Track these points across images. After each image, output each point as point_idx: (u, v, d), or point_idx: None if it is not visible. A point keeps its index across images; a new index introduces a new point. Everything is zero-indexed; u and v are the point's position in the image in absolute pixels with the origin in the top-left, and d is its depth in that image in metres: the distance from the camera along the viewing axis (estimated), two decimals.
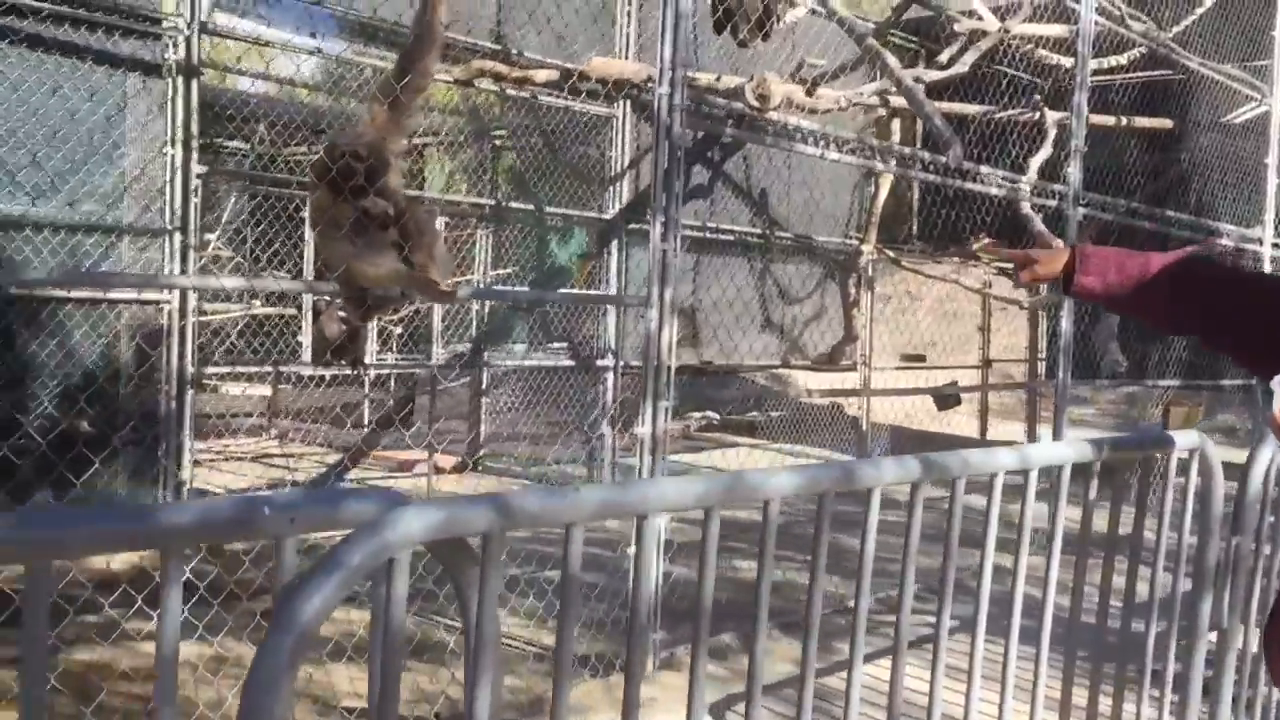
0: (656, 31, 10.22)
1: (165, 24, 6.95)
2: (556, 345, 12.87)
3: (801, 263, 12.26)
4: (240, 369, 8.98)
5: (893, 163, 6.29)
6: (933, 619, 2.79)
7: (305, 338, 9.26)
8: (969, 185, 6.56)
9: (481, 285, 9.64)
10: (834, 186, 11.97)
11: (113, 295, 6.78)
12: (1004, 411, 16.10)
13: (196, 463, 9.36)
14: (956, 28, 8.24)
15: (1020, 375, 16.97)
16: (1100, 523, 3.37)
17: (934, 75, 7.35)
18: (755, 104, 5.46)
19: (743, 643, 5.77)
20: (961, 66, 7.39)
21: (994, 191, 6.88)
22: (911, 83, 6.23)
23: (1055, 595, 3.23)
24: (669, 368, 4.95)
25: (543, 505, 1.71)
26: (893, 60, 6.27)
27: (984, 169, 6.60)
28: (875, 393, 10.40)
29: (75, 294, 6.56)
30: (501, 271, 9.95)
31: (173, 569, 1.50)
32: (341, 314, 4.10)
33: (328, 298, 4.08)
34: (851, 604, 2.45)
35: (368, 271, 3.83)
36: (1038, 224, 8.79)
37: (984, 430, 14.29)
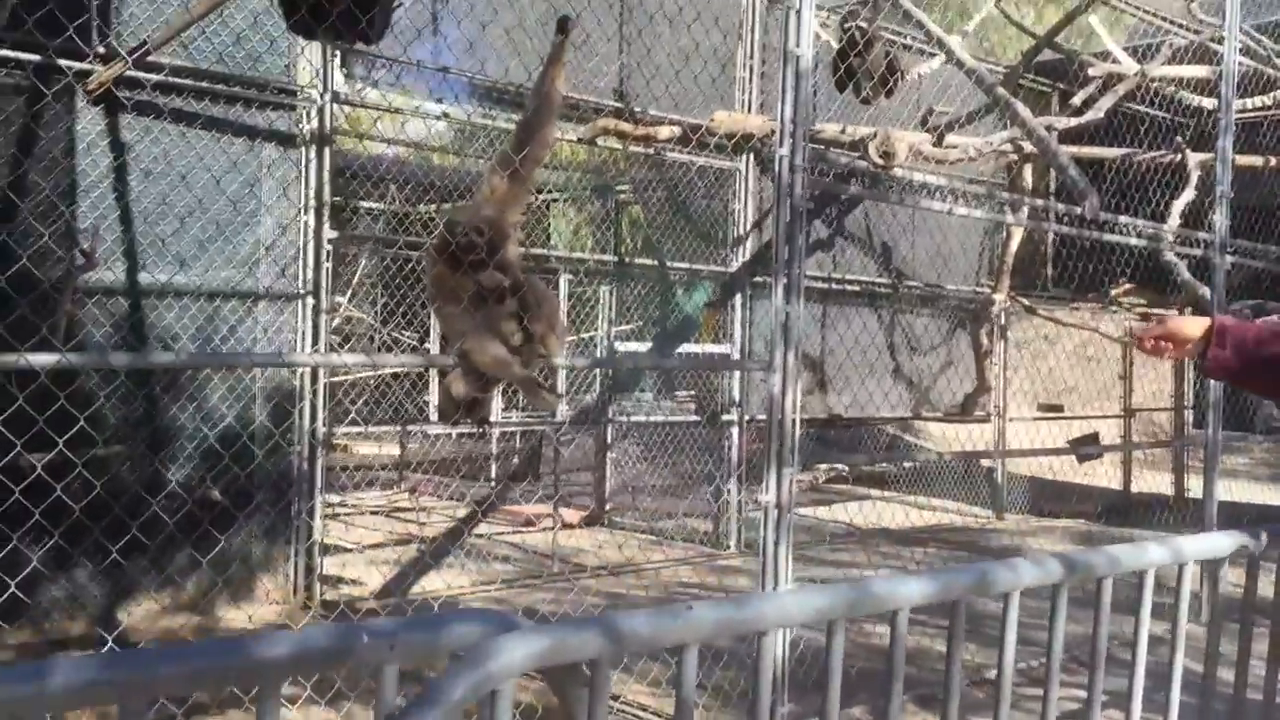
0: (777, 85, 10.22)
1: (300, 96, 7.19)
2: (682, 394, 12.81)
3: (930, 312, 11.96)
4: (371, 429, 9.15)
5: (1024, 215, 6.06)
6: (1082, 692, 2.59)
7: (432, 396, 9.38)
8: (1107, 236, 6.28)
9: (605, 341, 9.64)
10: (962, 233, 11.66)
11: (250, 359, 6.97)
12: (1150, 462, 15.38)
13: (332, 517, 9.57)
14: (1091, 72, 7.96)
15: (1166, 424, 16.22)
16: (1267, 587, 3.08)
17: (1068, 122, 7.09)
18: (879, 162, 5.33)
19: (875, 718, 5.55)
20: (1096, 113, 7.11)
21: (1133, 242, 6.57)
22: (1044, 133, 6.01)
23: (1218, 669, 2.98)
24: (794, 432, 4.82)
25: (655, 628, 1.61)
26: (1024, 110, 6.06)
27: (1123, 219, 6.31)
28: (1011, 453, 9.99)
29: (209, 360, 6.76)
30: (626, 326, 9.96)
31: (269, 708, 1.45)
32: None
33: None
34: (991, 674, 2.28)
35: (483, 355, 3.83)
36: (1183, 272, 8.38)
37: (1128, 483, 13.64)
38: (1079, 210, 6.00)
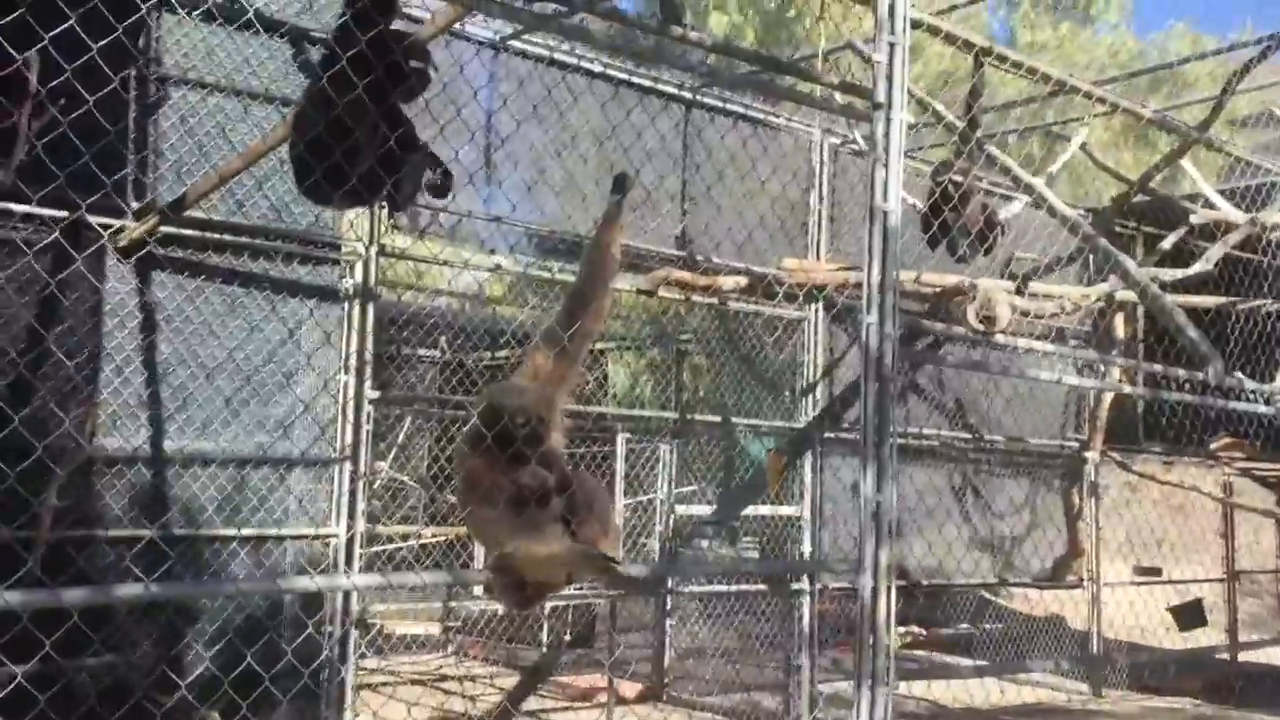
0: (847, 232, 9.74)
1: (344, 249, 6.80)
2: (746, 541, 12.04)
3: (1011, 470, 11.15)
4: (408, 605, 8.50)
5: (1139, 383, 5.39)
6: None
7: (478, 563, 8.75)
8: (1233, 404, 5.57)
9: (665, 503, 8.98)
10: (1043, 384, 10.91)
11: (275, 532, 6.43)
12: (1255, 624, 14.20)
13: (366, 686, 8.86)
14: (1194, 219, 7.35)
15: (1266, 583, 15.03)
16: None
17: (1174, 274, 6.46)
18: (980, 327, 4.73)
19: None
20: (1206, 264, 6.48)
21: (1262, 410, 5.84)
22: (1156, 289, 5.38)
23: None
24: (889, 646, 4.10)
25: None
26: (1130, 263, 5.46)
27: (1249, 384, 5.61)
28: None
29: (232, 532, 6.23)
30: (688, 488, 9.30)
31: None
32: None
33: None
34: None
35: (529, 556, 3.22)
36: None
37: (1235, 651, 12.48)
38: (1200, 376, 5.32)
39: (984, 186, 5.95)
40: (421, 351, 10.13)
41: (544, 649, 11.49)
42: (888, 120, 4.24)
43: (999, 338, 4.68)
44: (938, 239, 5.84)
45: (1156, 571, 12.45)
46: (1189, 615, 11.97)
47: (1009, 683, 10.70)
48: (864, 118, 4.29)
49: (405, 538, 8.78)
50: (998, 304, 4.76)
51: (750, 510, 9.28)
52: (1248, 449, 11.03)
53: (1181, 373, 5.28)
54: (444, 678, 10.31)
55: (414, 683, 9.87)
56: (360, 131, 3.23)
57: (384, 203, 3.66)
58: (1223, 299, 8.66)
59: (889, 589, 4.15)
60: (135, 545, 5.82)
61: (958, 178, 5.46)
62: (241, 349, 6.40)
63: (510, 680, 10.56)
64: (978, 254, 5.85)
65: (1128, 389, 5.14)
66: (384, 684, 9.63)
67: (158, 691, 4.29)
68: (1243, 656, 12.24)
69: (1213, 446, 11.73)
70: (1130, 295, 8.24)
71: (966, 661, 10.56)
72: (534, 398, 3.40)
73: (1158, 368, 5.20)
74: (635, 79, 8.54)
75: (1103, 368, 5.94)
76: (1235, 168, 8.77)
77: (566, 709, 9.73)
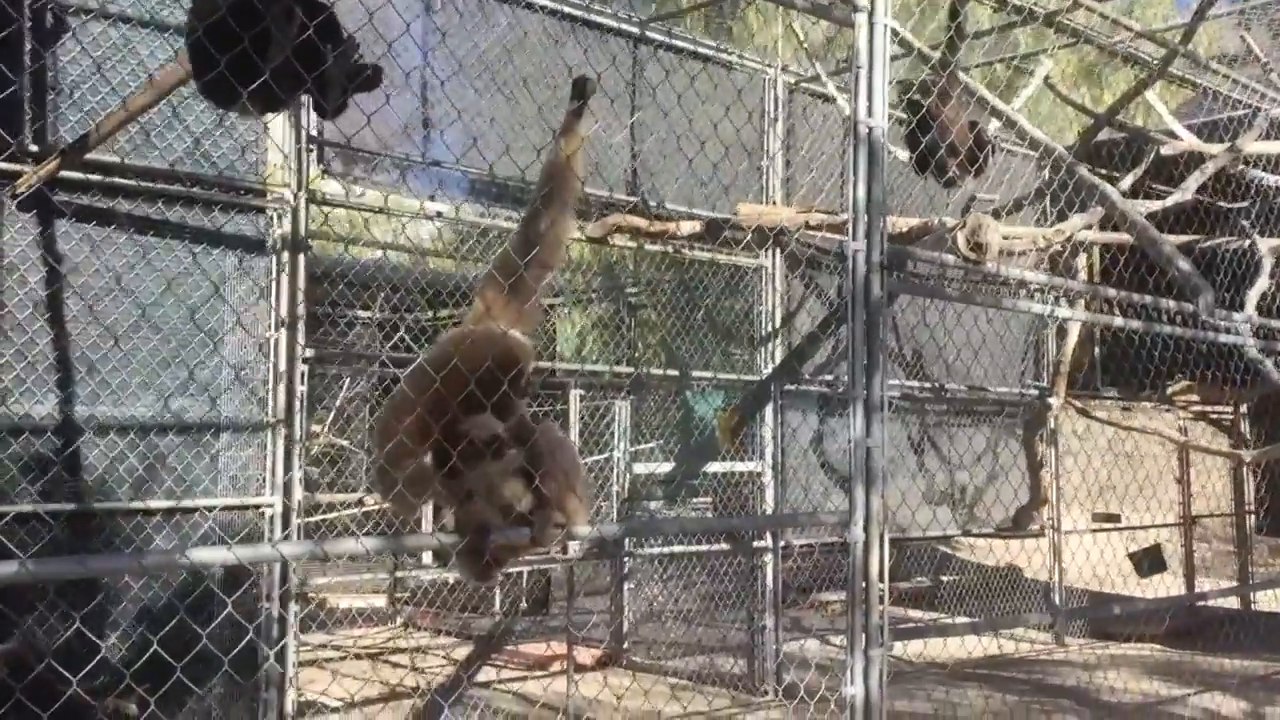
0: (807, 176, 9.34)
1: (270, 196, 6.27)
2: (699, 500, 11.71)
3: (973, 420, 10.89)
4: (352, 577, 8.03)
5: (1116, 313, 5.07)
6: None
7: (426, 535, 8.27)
8: (1223, 339, 5.27)
9: (622, 462, 8.57)
10: (1001, 327, 10.62)
11: (202, 502, 5.93)
12: (1209, 568, 14.19)
13: (310, 663, 8.39)
14: (1164, 150, 7.05)
15: (1219, 529, 15.04)
16: None
17: (1152, 205, 6.14)
18: (970, 255, 4.36)
19: None
20: (1184, 194, 6.17)
21: (1249, 343, 5.56)
22: (1142, 219, 5.05)
23: None
24: (883, 604, 3.74)
25: None
26: (1114, 193, 5.11)
27: (1237, 316, 5.31)
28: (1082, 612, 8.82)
29: (154, 504, 5.71)
30: (645, 445, 8.89)
31: None
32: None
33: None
34: None
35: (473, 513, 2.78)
36: (1272, 372, 7.37)
37: (1194, 598, 12.41)
38: (1190, 308, 5.01)
39: (970, 102, 5.56)
40: (359, 312, 9.59)
41: (497, 617, 11.11)
42: (870, 25, 3.82)
43: (989, 266, 4.33)
44: (920, 165, 5.45)
45: (1115, 518, 12.34)
46: (1148, 561, 11.87)
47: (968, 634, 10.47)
48: (845, 23, 3.86)
49: (346, 506, 8.30)
50: (988, 230, 4.40)
51: (710, 467, 8.90)
52: (1211, 391, 10.88)
53: (1171, 304, 4.96)
54: (394, 651, 9.86)
55: (361, 657, 9.41)
56: (271, 13, 2.72)
57: (311, 104, 3.15)
58: (1175, 238, 8.42)
59: (882, 541, 3.79)
60: (40, 521, 5.30)
61: (940, 96, 5.07)
62: (159, 305, 5.84)
63: (463, 651, 10.18)
64: (968, 175, 5.48)
65: (1119, 321, 4.80)
66: (329, 660, 9.17)
67: (64, 681, 3.82)
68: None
69: (1170, 390, 11.59)
70: (1091, 235, 7.97)
71: (962, 619, 10.30)
72: (516, 343, 2.95)
73: (1146, 298, 4.87)
74: (580, 12, 8.03)
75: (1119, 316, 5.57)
76: (1203, 104, 8.50)
77: (523, 678, 9.34)
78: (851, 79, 3.78)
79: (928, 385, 10.03)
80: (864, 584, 3.76)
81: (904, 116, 5.54)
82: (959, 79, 5.38)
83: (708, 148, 7.01)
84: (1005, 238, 5.68)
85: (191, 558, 2.40)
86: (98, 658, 5.26)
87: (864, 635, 3.73)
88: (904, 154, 6.51)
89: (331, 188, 6.53)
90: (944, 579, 12.87)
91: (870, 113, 3.80)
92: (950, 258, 4.23)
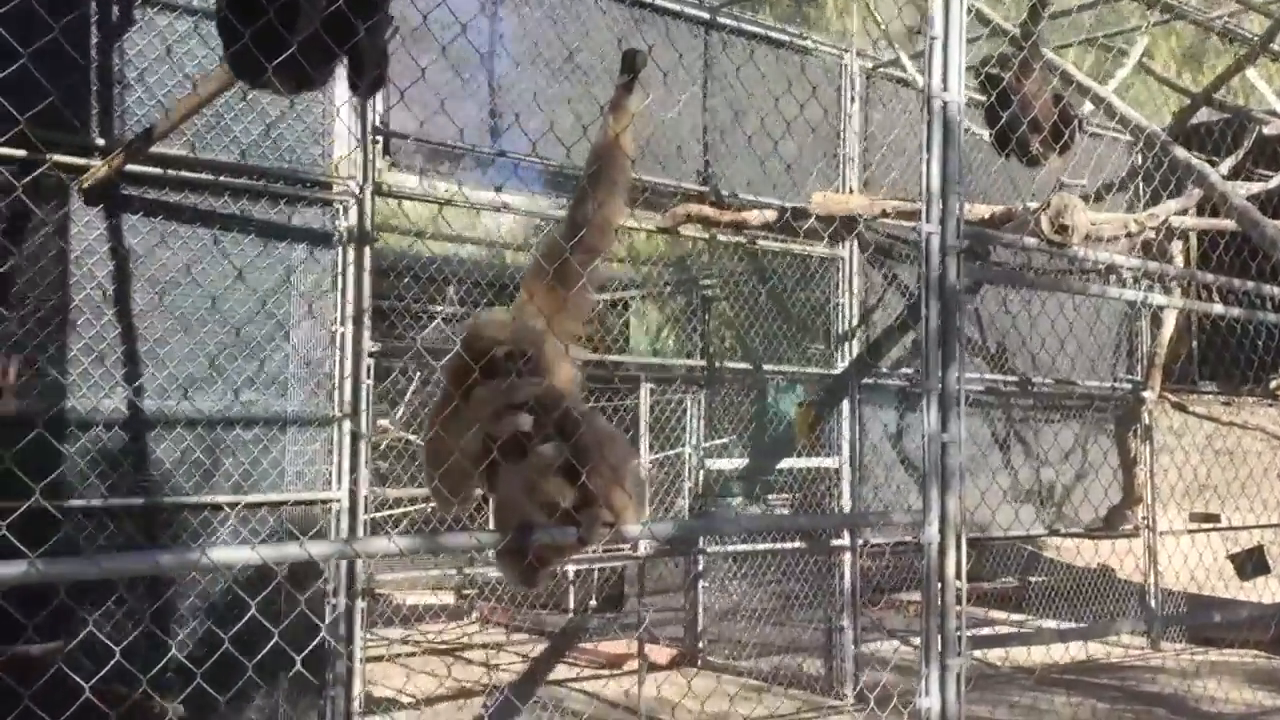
0: (884, 163, 9.05)
1: (336, 188, 6.22)
2: (775, 498, 11.48)
3: (1061, 415, 10.48)
4: (418, 573, 7.98)
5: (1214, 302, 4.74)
6: None
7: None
8: None
9: (694, 457, 8.39)
10: (1091, 318, 10.19)
11: (268, 497, 5.90)
12: None
13: (379, 659, 8.35)
14: (1267, 130, 6.65)
15: None
16: None
17: (1254, 188, 5.77)
18: (1055, 237, 4.09)
19: None
20: None
21: None
22: (1243, 200, 4.72)
23: None
24: (959, 607, 3.52)
25: None
26: (1214, 174, 4.79)
27: None
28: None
29: (220, 499, 5.69)
30: (718, 441, 8.70)
31: None
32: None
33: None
34: None
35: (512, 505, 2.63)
36: None
37: None
38: None
39: (1054, 77, 5.25)
40: (436, 308, 9.52)
41: (571, 614, 11.01)
42: None
43: (1075, 250, 4.06)
44: (1001, 143, 5.15)
45: (1214, 518, 11.79)
46: (1251, 563, 11.31)
47: (1054, 642, 10.10)
48: None
49: (415, 501, 8.27)
50: (1075, 211, 4.13)
51: (784, 464, 8.68)
52: None
53: (1276, 290, 4.63)
54: (465, 647, 9.82)
55: (432, 652, 9.38)
56: None
57: (348, 81, 3.02)
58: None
59: (959, 543, 3.56)
60: (109, 516, 5.31)
61: (1021, 69, 4.77)
62: (226, 298, 5.82)
63: (537, 648, 10.09)
64: (1052, 153, 5.18)
65: (1219, 308, 4.49)
66: (398, 656, 9.15)
67: (117, 681, 3.77)
68: None
69: (1274, 384, 11.02)
70: (1188, 220, 7.56)
71: (1049, 623, 9.91)
72: (525, 326, 2.80)
73: (1249, 284, 4.54)
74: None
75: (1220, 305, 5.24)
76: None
77: (596, 676, 9.23)
78: (925, 49, 3.55)
79: (1012, 379, 9.66)
80: (939, 588, 3.54)
81: (980, 98, 5.25)
82: (1040, 51, 5.08)
83: (781, 136, 6.80)
84: (1093, 223, 5.38)
85: (212, 558, 2.30)
86: (166, 656, 5.25)
87: (940, 643, 3.51)
88: (986, 133, 6.22)
89: (398, 180, 6.45)
90: (1031, 580, 12.45)
91: (945, 86, 3.57)
92: (1033, 241, 3.97)
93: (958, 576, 3.56)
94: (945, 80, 3.57)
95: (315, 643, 5.87)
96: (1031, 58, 4.80)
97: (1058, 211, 4.14)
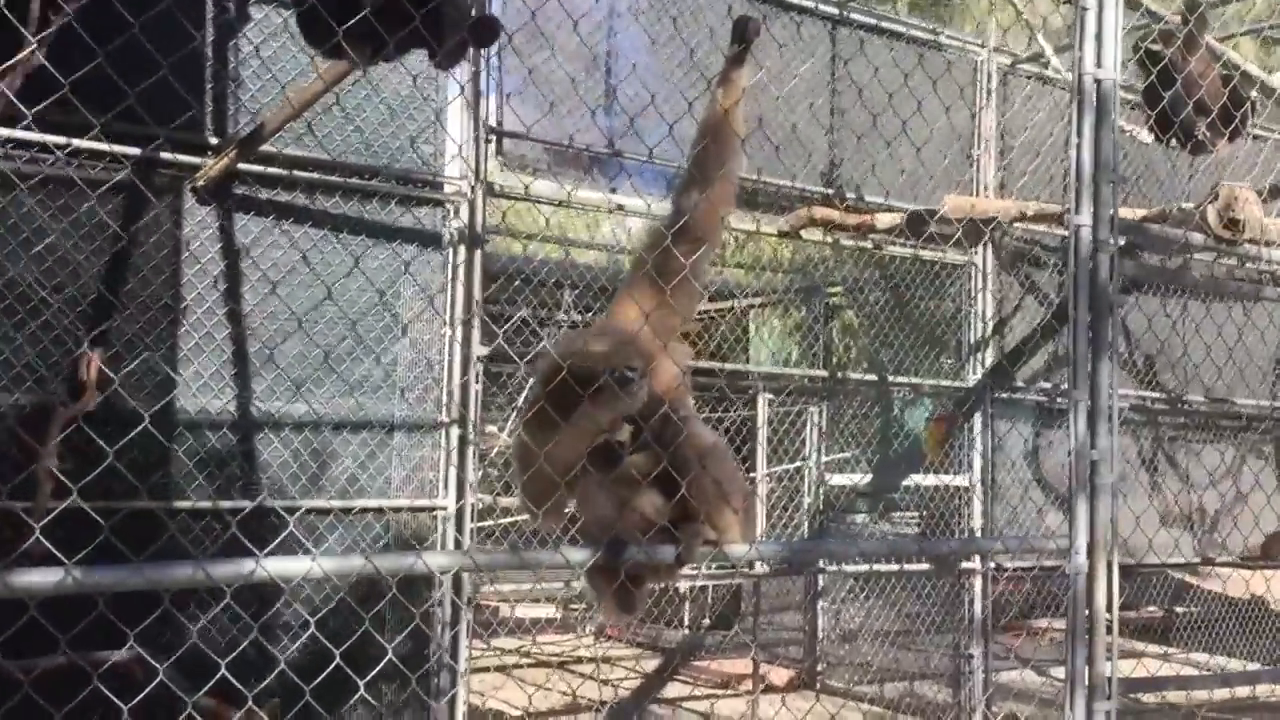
0: (1022, 166, 8.55)
1: (447, 189, 6.09)
2: (902, 515, 11.02)
3: (1214, 435, 9.76)
4: (524, 586, 7.79)
5: None
6: None
7: None
8: None
9: (815, 472, 8.04)
10: (1249, 333, 9.45)
11: (374, 502, 5.78)
12: None
13: (484, 669, 8.18)
14: None
15: None
16: None
17: None
18: (1224, 233, 3.65)
19: None
20: None
21: None
22: None
23: None
24: (1110, 648, 3.13)
25: None
26: None
27: None
28: None
29: (327, 504, 5.59)
30: (840, 455, 8.31)
31: None
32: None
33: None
34: None
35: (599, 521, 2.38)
36: None
37: None
38: None
39: (1220, 55, 4.76)
40: (559, 315, 9.35)
41: (686, 631, 10.73)
42: None
43: (1247, 248, 3.61)
44: (1162, 128, 4.69)
45: None
46: None
47: (1207, 671, 9.38)
48: None
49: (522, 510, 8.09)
50: (1247, 203, 3.68)
51: (910, 480, 8.24)
52: None
53: None
54: (578, 660, 9.61)
55: (543, 665, 9.20)
56: None
57: (428, 50, 2.81)
58: None
59: (1110, 571, 3.17)
60: (216, 519, 5.24)
61: (1186, 44, 4.31)
62: (334, 300, 5.73)
63: (651, 664, 9.85)
64: (1220, 140, 4.70)
65: None
66: (508, 667, 8.99)
67: (218, 694, 3.64)
68: None
69: None
70: None
71: (1199, 656, 9.21)
72: (620, 334, 2.54)
73: None
74: None
75: None
76: None
77: (709, 695, 8.92)
78: (1075, 21, 3.18)
79: (1161, 396, 9.03)
80: (1088, 623, 3.15)
81: (1138, 82, 4.79)
82: (1207, 22, 4.60)
83: (912, 135, 6.43)
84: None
85: (269, 569, 2.10)
86: (278, 668, 5.15)
87: (1087, 683, 3.12)
88: (1141, 132, 5.73)
89: (511, 181, 6.29)
90: (1178, 610, 11.67)
91: (1099, 62, 3.20)
92: (1198, 238, 3.54)
93: (1109, 609, 3.17)
94: (1099, 56, 3.19)
95: (418, 650, 5.75)
96: (1197, 30, 4.33)
97: (1226, 203, 3.70)
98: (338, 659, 2.94)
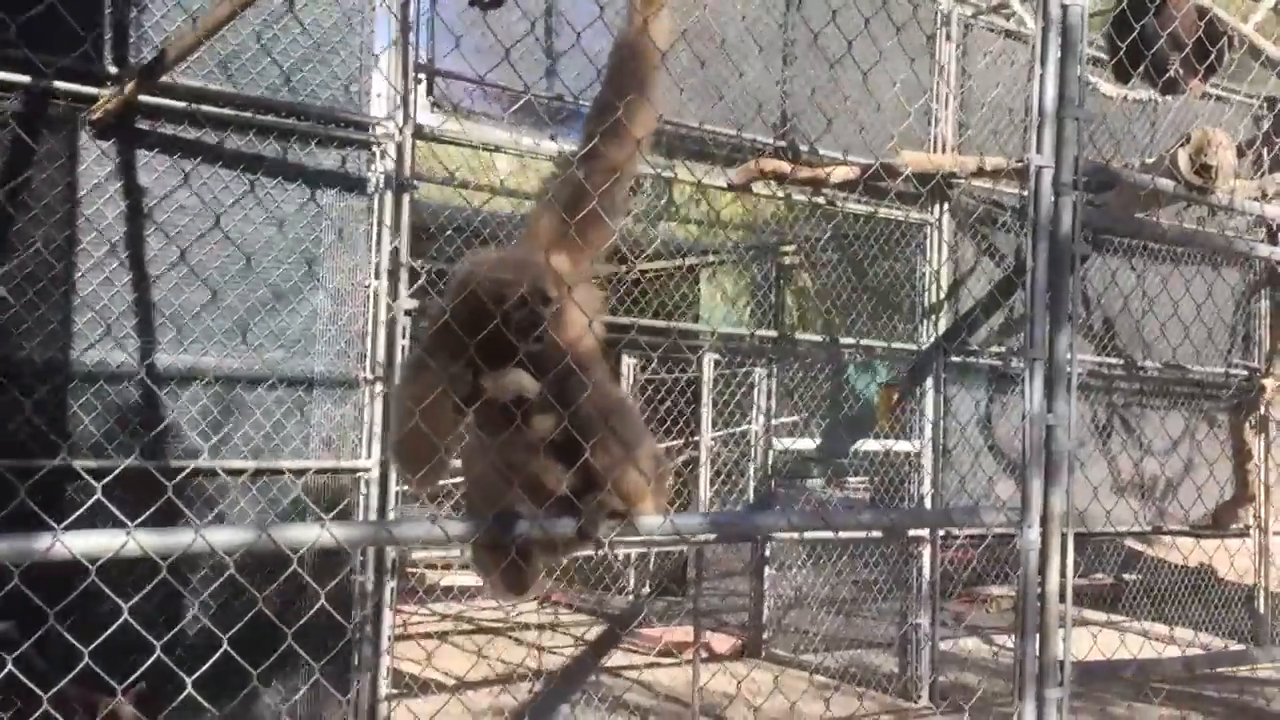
0: (983, 124, 8.27)
1: (372, 129, 5.69)
2: (854, 480, 10.81)
3: (1169, 402, 9.60)
4: (455, 552, 7.48)
5: None
6: None
7: None
8: None
9: (761, 437, 7.76)
10: (1203, 298, 9.26)
11: (290, 464, 5.42)
12: None
13: (409, 638, 7.87)
14: None
15: None
16: None
17: None
18: (1195, 180, 3.38)
19: None
20: None
21: None
22: None
23: None
24: (1065, 629, 2.86)
25: None
26: None
27: None
28: None
29: (234, 464, 5.23)
30: (786, 419, 8.05)
31: None
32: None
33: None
34: None
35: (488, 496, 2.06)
36: None
37: None
38: None
39: None
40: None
41: (631, 597, 10.49)
42: None
43: (1218, 196, 3.34)
44: (1132, 62, 4.39)
45: None
46: None
47: (1158, 641, 9.28)
48: None
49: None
50: (1220, 148, 3.41)
51: (862, 446, 7.99)
52: None
53: None
54: (515, 627, 9.33)
55: (478, 632, 8.91)
56: None
57: None
58: None
59: (1065, 546, 2.90)
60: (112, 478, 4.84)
61: None
62: (248, 246, 5.34)
63: (595, 631, 9.60)
64: (1194, 76, 4.41)
65: None
66: (448, 633, 8.69)
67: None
68: None
69: None
70: None
71: (1153, 626, 9.09)
72: (524, 265, 2.22)
73: None
74: None
75: None
76: None
77: (653, 665, 8.68)
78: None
79: (1118, 361, 8.83)
80: (1039, 603, 2.89)
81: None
82: None
83: (870, 86, 6.12)
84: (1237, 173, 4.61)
85: (141, 542, 1.78)
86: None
87: (1038, 669, 2.86)
88: (1100, 84, 5.43)
89: (436, 122, 5.90)
90: (1127, 577, 11.60)
91: None
92: (1167, 184, 3.26)
93: (1062, 592, 2.91)
94: None
95: (347, 625, 5.43)
96: None
97: (1198, 147, 3.42)
98: (225, 644, 2.63)
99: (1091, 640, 4.74)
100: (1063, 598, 2.92)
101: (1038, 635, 2.84)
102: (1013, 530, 2.97)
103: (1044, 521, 2.87)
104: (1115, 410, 9.36)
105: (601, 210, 2.34)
